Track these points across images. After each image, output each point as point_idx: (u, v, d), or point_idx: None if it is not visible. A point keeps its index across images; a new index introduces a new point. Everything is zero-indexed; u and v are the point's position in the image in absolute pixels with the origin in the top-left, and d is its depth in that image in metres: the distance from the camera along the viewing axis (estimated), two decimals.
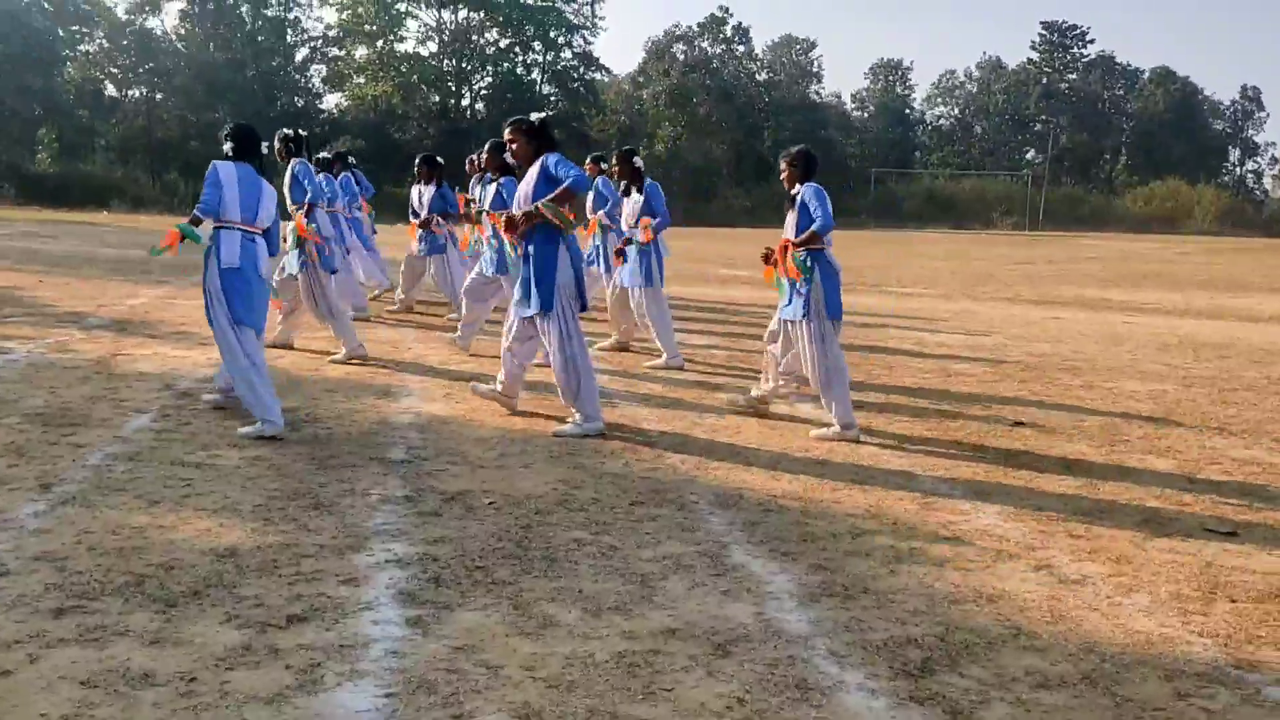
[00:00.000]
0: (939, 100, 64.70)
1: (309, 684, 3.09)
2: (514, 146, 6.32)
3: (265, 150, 6.37)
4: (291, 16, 53.53)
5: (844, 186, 55.55)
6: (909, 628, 3.69)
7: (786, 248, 6.41)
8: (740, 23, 56.92)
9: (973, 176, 56.29)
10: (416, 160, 11.38)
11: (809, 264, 6.33)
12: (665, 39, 55.65)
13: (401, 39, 53.48)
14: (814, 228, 6.34)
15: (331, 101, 55.43)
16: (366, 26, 52.75)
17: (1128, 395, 8.10)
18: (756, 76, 58.34)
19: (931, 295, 15.98)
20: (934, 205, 50.55)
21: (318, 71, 54.90)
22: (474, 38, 53.41)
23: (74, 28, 51.08)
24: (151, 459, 5.33)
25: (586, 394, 6.30)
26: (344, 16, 52.99)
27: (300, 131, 9.08)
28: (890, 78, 63.27)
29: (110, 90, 53.29)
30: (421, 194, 11.00)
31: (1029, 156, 60.93)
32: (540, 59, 54.39)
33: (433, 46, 53.77)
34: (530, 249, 6.22)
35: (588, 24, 54.25)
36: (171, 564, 3.96)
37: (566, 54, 54.50)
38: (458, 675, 3.19)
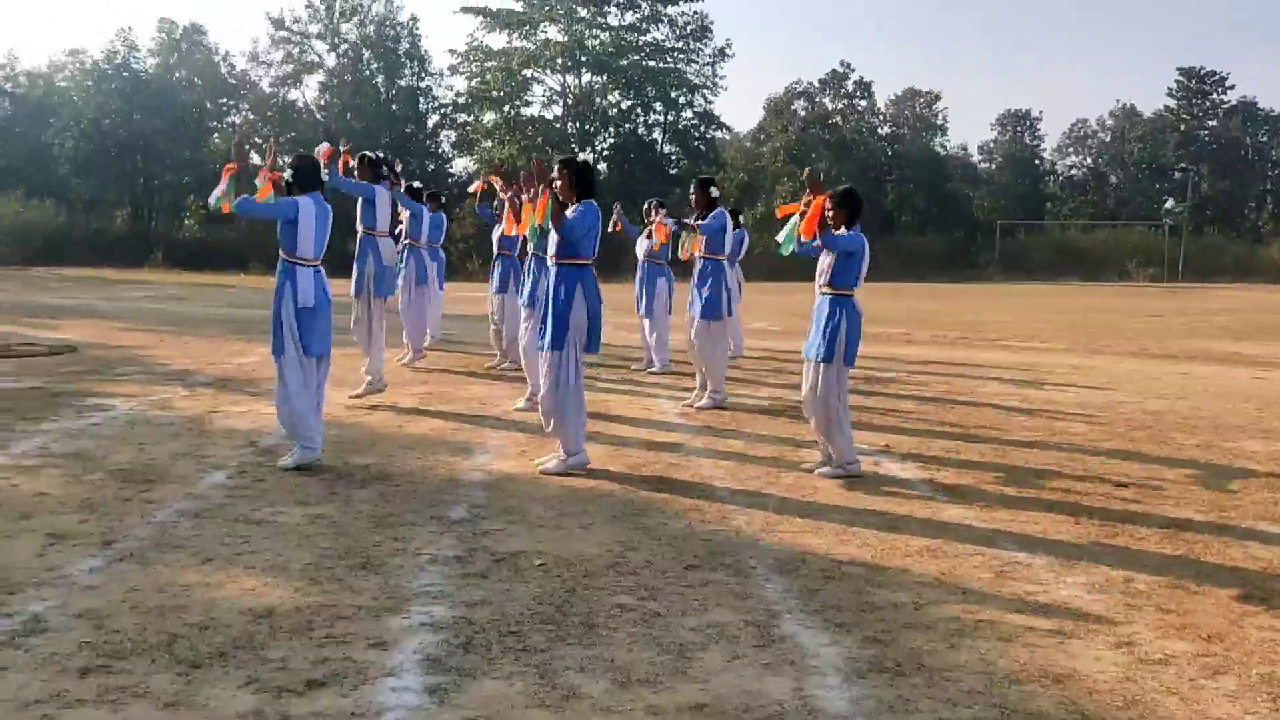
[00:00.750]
0: (1070, 149, 62.82)
1: None
2: (559, 184, 6.46)
3: (325, 178, 6.75)
4: (424, 85, 55.37)
5: (971, 239, 54.40)
6: (959, 710, 3.42)
7: (822, 209, 6.46)
8: (862, 77, 56.45)
9: (1107, 227, 54.34)
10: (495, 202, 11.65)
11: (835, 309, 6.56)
12: (786, 95, 55.62)
13: (527, 103, 54.67)
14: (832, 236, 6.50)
15: (460, 165, 56.97)
16: (494, 93, 54.11)
17: (1248, 455, 7.55)
18: (879, 130, 57.76)
19: (1050, 349, 15.34)
20: (1066, 257, 48.89)
21: (447, 137, 56.53)
22: (597, 100, 54.26)
23: (221, 100, 53.83)
24: (217, 516, 5.38)
25: (571, 428, 6.48)
26: (473, 84, 54.51)
27: (380, 154, 9.31)
28: (1018, 128, 61.75)
29: (254, 160, 55.85)
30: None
31: (1168, 205, 58.58)
32: (661, 119, 54.83)
33: (557, 110, 54.83)
34: (550, 286, 6.47)
35: (708, 84, 54.61)
36: (207, 624, 3.94)
37: (688, 114, 54.83)
38: None
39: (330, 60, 53.87)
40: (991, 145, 63.14)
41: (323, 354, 6.61)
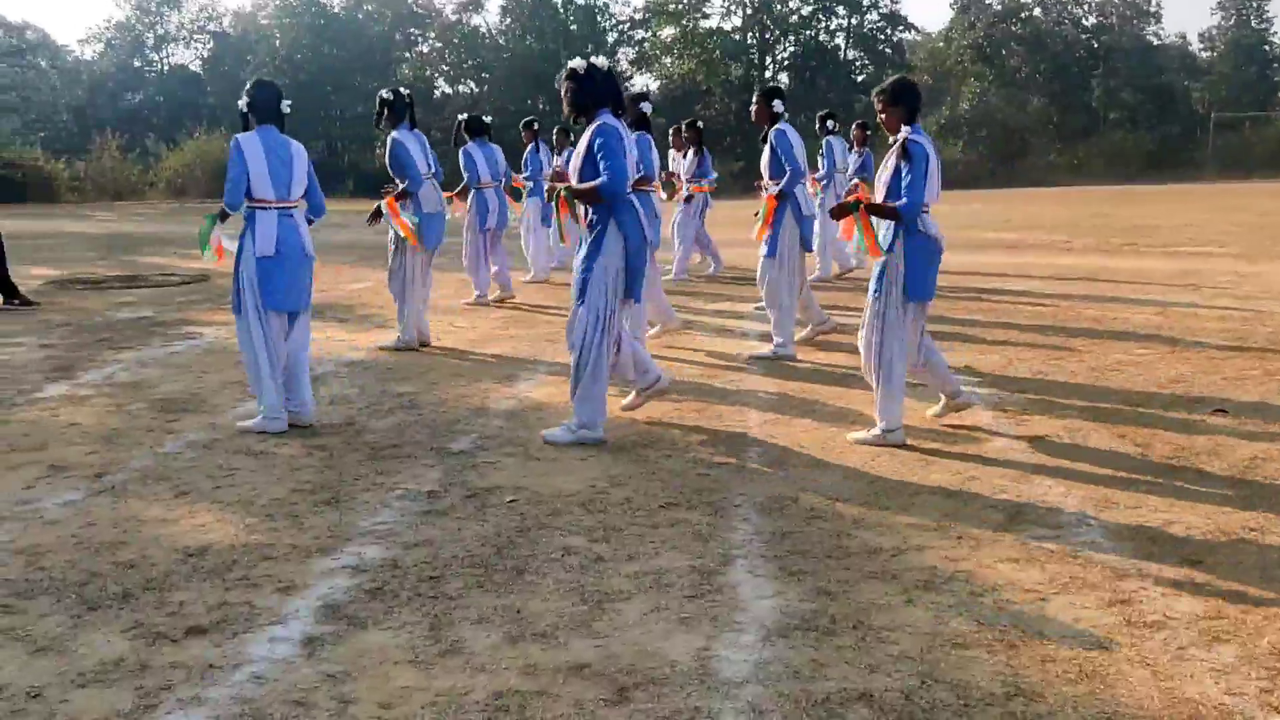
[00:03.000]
0: None
1: (139, 710, 2.87)
2: (566, 99, 5.31)
3: (287, 110, 5.75)
4: (601, 3, 55.09)
5: (1188, 136, 50.24)
6: (876, 678, 2.98)
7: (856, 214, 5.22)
8: None
9: None
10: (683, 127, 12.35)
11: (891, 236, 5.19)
12: None
13: (706, 15, 53.64)
14: (900, 206, 5.05)
15: (639, 82, 56.57)
16: (672, 7, 53.36)
17: None
18: (1083, 21, 53.82)
19: (1222, 255, 13.89)
20: None
21: (625, 54, 56.17)
22: (776, 7, 52.71)
23: (410, 30, 55.16)
24: (221, 447, 5.37)
25: (585, 396, 5.41)
26: None
27: (400, 90, 8.07)
28: (1244, 11, 56.38)
29: (442, 87, 57.05)
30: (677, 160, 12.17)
31: None
32: (845, 23, 52.85)
33: (736, 20, 53.64)
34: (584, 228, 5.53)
35: None
36: (135, 562, 3.88)
37: (873, 16, 52.69)
38: (302, 710, 2.86)
39: None
40: (1214, 32, 57.95)
41: (292, 310, 5.75)
